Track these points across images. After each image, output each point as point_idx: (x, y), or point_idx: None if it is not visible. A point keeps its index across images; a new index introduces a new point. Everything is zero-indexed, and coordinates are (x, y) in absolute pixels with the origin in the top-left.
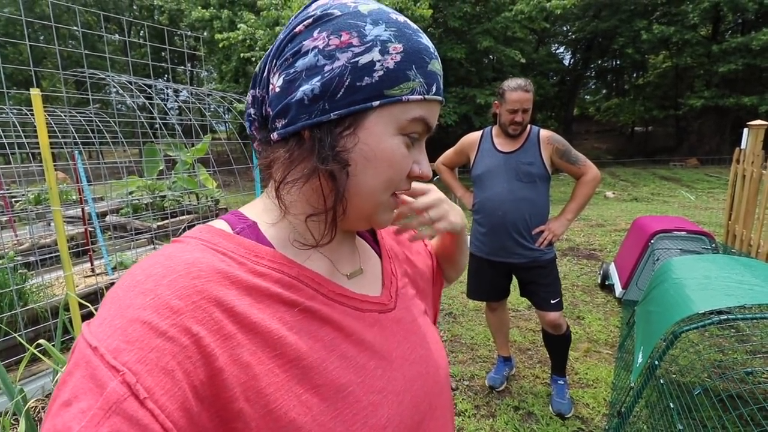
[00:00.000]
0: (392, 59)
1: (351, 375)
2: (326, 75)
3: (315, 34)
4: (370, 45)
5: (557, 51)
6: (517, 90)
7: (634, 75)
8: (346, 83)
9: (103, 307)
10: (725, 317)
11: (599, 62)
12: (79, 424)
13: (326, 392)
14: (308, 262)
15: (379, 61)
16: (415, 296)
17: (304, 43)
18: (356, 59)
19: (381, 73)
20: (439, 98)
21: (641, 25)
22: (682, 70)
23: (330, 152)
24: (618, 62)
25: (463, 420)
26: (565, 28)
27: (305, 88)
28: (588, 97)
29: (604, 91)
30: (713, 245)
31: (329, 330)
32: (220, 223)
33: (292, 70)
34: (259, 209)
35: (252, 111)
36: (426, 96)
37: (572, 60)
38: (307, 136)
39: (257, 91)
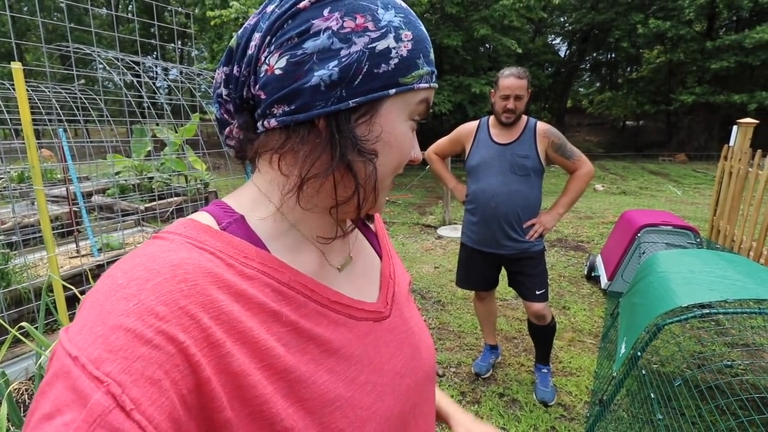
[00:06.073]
0: (405, 47)
1: (341, 389)
2: (344, 60)
3: (326, 13)
4: (384, 31)
5: (553, 42)
6: (509, 76)
7: (629, 69)
8: (364, 70)
9: (82, 312)
10: (707, 311)
11: (594, 55)
12: None
13: (313, 406)
14: (298, 256)
15: (394, 48)
16: (408, 294)
17: (313, 22)
18: (373, 45)
19: (396, 60)
20: (436, 85)
21: (638, 19)
22: (675, 65)
23: (352, 141)
24: (613, 55)
25: None
26: (562, 19)
27: (321, 73)
28: (582, 89)
29: (597, 84)
30: (698, 240)
31: (319, 342)
32: (204, 217)
33: (299, 52)
34: (248, 201)
35: (224, 91)
36: (431, 84)
37: (568, 51)
38: (322, 125)
39: (236, 69)
